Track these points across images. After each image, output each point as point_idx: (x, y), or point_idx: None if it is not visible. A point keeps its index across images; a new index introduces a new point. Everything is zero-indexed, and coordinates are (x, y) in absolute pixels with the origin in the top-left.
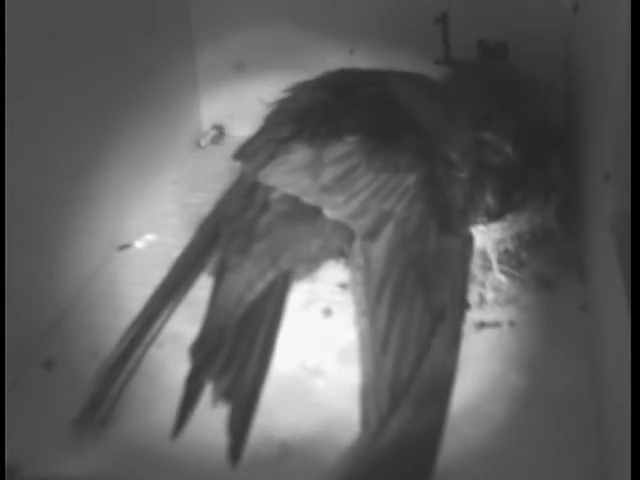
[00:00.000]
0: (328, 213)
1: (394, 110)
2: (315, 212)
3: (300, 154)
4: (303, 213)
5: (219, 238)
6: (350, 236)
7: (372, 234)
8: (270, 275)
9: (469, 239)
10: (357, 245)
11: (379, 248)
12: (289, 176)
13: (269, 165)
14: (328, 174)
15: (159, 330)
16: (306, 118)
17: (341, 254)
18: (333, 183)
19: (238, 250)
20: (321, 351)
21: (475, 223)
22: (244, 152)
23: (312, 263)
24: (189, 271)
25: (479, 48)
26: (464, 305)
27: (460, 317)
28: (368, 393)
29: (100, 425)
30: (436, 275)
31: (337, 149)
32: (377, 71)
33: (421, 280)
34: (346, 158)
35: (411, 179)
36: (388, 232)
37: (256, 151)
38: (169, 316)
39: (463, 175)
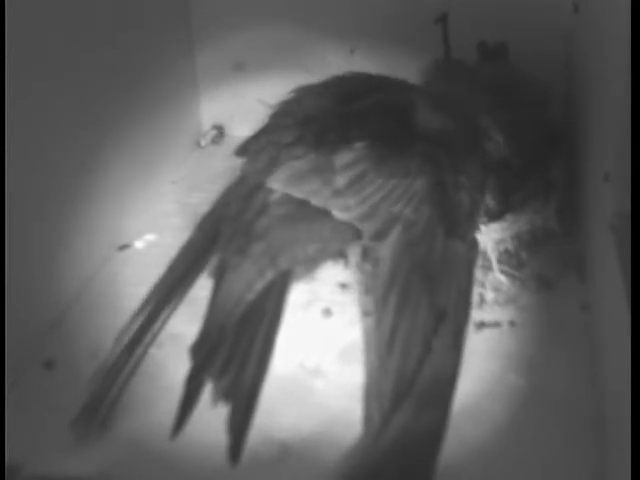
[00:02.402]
0: (337, 215)
1: (400, 117)
2: (313, 215)
3: (307, 160)
4: (301, 216)
5: (218, 238)
6: (350, 238)
7: (380, 236)
8: (269, 275)
9: (474, 243)
10: (364, 246)
11: (386, 249)
12: (299, 181)
13: (277, 171)
14: (340, 179)
15: (157, 329)
16: (309, 124)
17: (341, 255)
18: (345, 188)
19: (237, 251)
20: (321, 351)
21: (479, 227)
22: (246, 149)
23: (310, 264)
24: (187, 270)
25: (479, 49)
26: (468, 308)
27: (464, 320)
28: (371, 392)
29: (100, 426)
30: (442, 278)
31: (346, 155)
32: (380, 77)
33: (427, 282)
34: (356, 164)
35: (419, 184)
36: (395, 234)
37: (258, 152)
38: (168, 315)
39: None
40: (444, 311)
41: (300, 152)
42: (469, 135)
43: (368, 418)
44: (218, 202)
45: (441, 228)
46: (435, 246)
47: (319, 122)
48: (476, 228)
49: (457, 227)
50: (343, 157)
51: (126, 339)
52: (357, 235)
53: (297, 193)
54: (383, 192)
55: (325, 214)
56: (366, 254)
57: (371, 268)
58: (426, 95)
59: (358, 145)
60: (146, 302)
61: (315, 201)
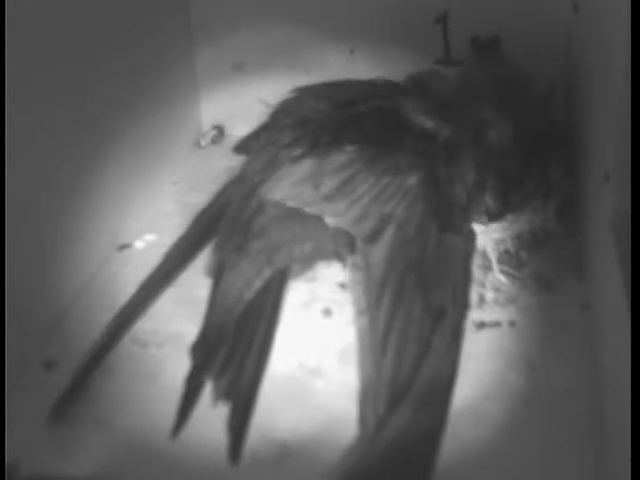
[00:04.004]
0: (330, 221)
1: (396, 121)
2: (310, 215)
3: (302, 166)
4: (298, 215)
5: (214, 234)
6: (345, 240)
7: (372, 238)
8: (267, 273)
9: (471, 235)
10: (358, 248)
11: (379, 251)
12: (292, 189)
13: (271, 179)
14: (329, 183)
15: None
16: (307, 126)
17: (337, 256)
18: (334, 191)
19: (235, 249)
20: (321, 351)
21: (476, 220)
22: (246, 147)
23: (307, 262)
24: (178, 263)
25: (472, 44)
26: (466, 303)
27: (461, 314)
28: (366, 395)
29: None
30: (436, 274)
31: (337, 158)
32: (381, 83)
33: (421, 281)
34: (347, 166)
35: (412, 180)
36: (388, 235)
37: (257, 151)
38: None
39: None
40: (442, 309)
41: (297, 153)
42: (465, 135)
43: (363, 421)
44: (216, 200)
45: (435, 224)
46: (429, 243)
47: (316, 124)
48: (472, 220)
49: (451, 221)
50: (334, 160)
51: (113, 326)
52: (351, 237)
53: (291, 203)
54: (375, 191)
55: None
56: (360, 256)
57: (365, 270)
58: (424, 101)
59: (350, 148)
60: (137, 293)
61: (308, 209)
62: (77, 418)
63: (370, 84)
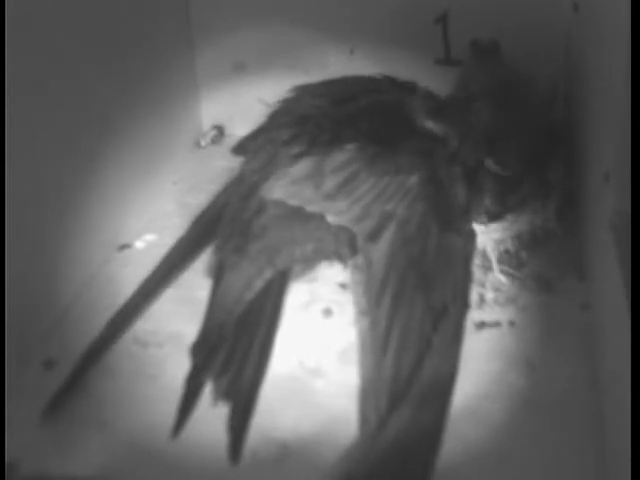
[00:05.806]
0: (331, 219)
1: (395, 118)
2: (310, 215)
3: (301, 165)
4: (299, 215)
5: (214, 236)
6: (347, 239)
7: (373, 236)
8: (268, 274)
9: (471, 235)
10: (359, 247)
11: (380, 249)
12: (292, 188)
13: (271, 178)
14: (330, 182)
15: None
16: (306, 123)
17: (337, 256)
18: (335, 190)
19: (235, 250)
20: (321, 351)
21: (476, 220)
22: (244, 147)
23: (307, 263)
24: (177, 264)
25: (472, 47)
26: (466, 302)
27: (462, 314)
28: (367, 394)
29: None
30: (437, 273)
31: (338, 157)
32: (380, 79)
33: (422, 280)
34: (347, 165)
35: (413, 180)
36: (389, 233)
37: (256, 150)
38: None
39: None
40: (443, 308)
41: (296, 151)
42: (465, 138)
43: (364, 420)
44: (216, 200)
45: (435, 223)
46: (429, 242)
47: (315, 122)
48: (473, 220)
49: (452, 221)
50: (334, 159)
51: (112, 325)
52: (353, 236)
53: (292, 201)
54: (376, 191)
55: (322, 215)
56: (361, 255)
57: (366, 269)
58: (424, 100)
59: (350, 146)
60: (137, 293)
61: (309, 208)
62: (77, 418)
63: (368, 79)
